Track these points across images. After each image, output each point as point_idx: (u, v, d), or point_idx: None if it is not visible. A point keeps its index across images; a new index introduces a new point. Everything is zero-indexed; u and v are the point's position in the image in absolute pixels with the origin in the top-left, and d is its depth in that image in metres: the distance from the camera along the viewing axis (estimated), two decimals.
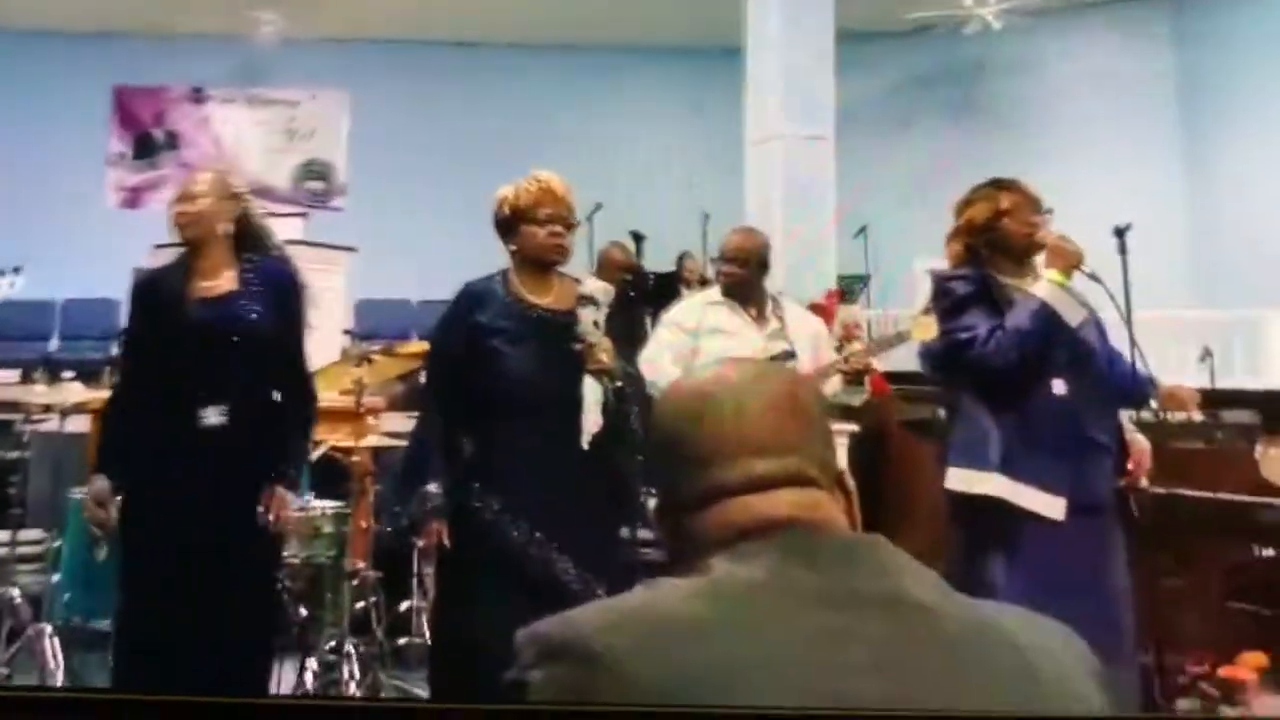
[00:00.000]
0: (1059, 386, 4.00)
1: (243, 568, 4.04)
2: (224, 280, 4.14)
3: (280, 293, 4.20)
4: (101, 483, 4.08)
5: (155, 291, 4.22)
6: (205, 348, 4.03)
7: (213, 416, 3.99)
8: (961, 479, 4.04)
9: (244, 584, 4.04)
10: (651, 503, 1.54)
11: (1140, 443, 4.13)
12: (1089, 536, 3.92)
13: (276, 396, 4.20)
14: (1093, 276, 4.13)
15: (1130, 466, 4.03)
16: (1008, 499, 3.93)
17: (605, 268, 7.84)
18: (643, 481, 3.92)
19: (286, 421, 4.23)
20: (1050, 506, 3.90)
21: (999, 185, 4.18)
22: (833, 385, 5.43)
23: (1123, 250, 4.77)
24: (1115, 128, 13.30)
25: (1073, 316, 3.96)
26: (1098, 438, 4.02)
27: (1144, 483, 4.01)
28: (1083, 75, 13.50)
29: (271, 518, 4.08)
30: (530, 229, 4.00)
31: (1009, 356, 3.95)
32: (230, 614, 3.93)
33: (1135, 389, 4.23)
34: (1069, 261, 3.96)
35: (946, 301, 4.14)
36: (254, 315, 4.09)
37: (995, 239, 4.10)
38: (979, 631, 1.34)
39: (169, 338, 4.09)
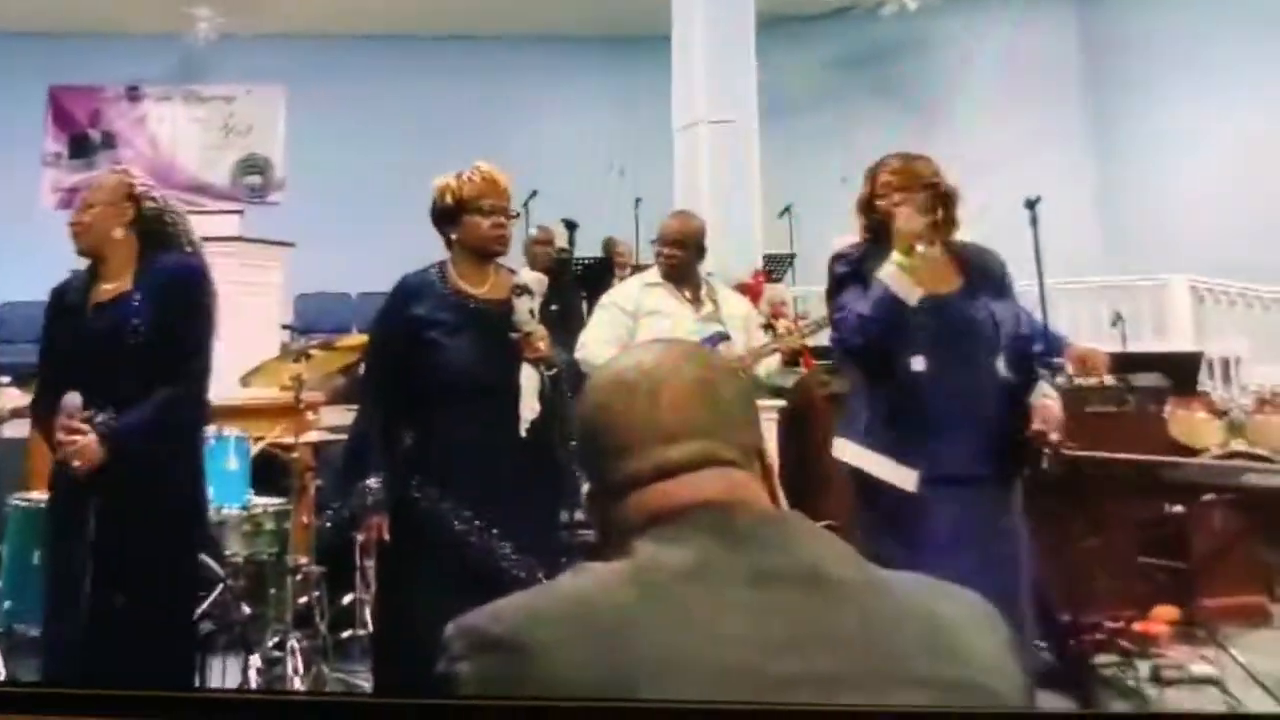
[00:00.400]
0: (918, 363, 3.94)
1: (145, 571, 3.84)
2: (120, 283, 4.00)
3: (172, 291, 3.98)
4: None
5: (61, 298, 4.10)
6: (97, 352, 3.89)
7: (100, 421, 3.81)
8: (836, 447, 4.10)
9: (147, 590, 3.82)
10: (584, 487, 1.53)
11: (1048, 403, 4.00)
12: (958, 505, 3.83)
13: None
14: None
15: (1037, 425, 3.92)
16: (864, 468, 3.98)
17: (532, 253, 7.89)
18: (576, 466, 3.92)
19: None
20: (903, 478, 3.90)
21: (878, 164, 4.16)
22: (769, 366, 5.49)
23: (1034, 221, 4.85)
24: (1025, 103, 13.45)
25: (910, 296, 3.91)
26: (972, 409, 3.93)
27: (1054, 437, 3.89)
28: (994, 52, 13.59)
29: (74, 464, 3.76)
30: (474, 219, 3.98)
31: (855, 340, 4.01)
32: (139, 612, 3.77)
33: (1045, 353, 4.17)
34: (905, 240, 3.91)
35: (829, 281, 4.19)
36: (140, 316, 3.91)
37: (874, 219, 4.10)
38: (893, 603, 1.35)
39: (69, 344, 4.00)
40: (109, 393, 3.83)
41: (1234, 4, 12.20)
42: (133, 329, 3.87)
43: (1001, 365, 3.96)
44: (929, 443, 3.89)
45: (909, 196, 3.97)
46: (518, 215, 4.13)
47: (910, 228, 3.91)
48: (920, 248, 3.92)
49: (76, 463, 3.75)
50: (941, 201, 4.01)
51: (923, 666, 1.30)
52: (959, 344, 3.95)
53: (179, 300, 3.96)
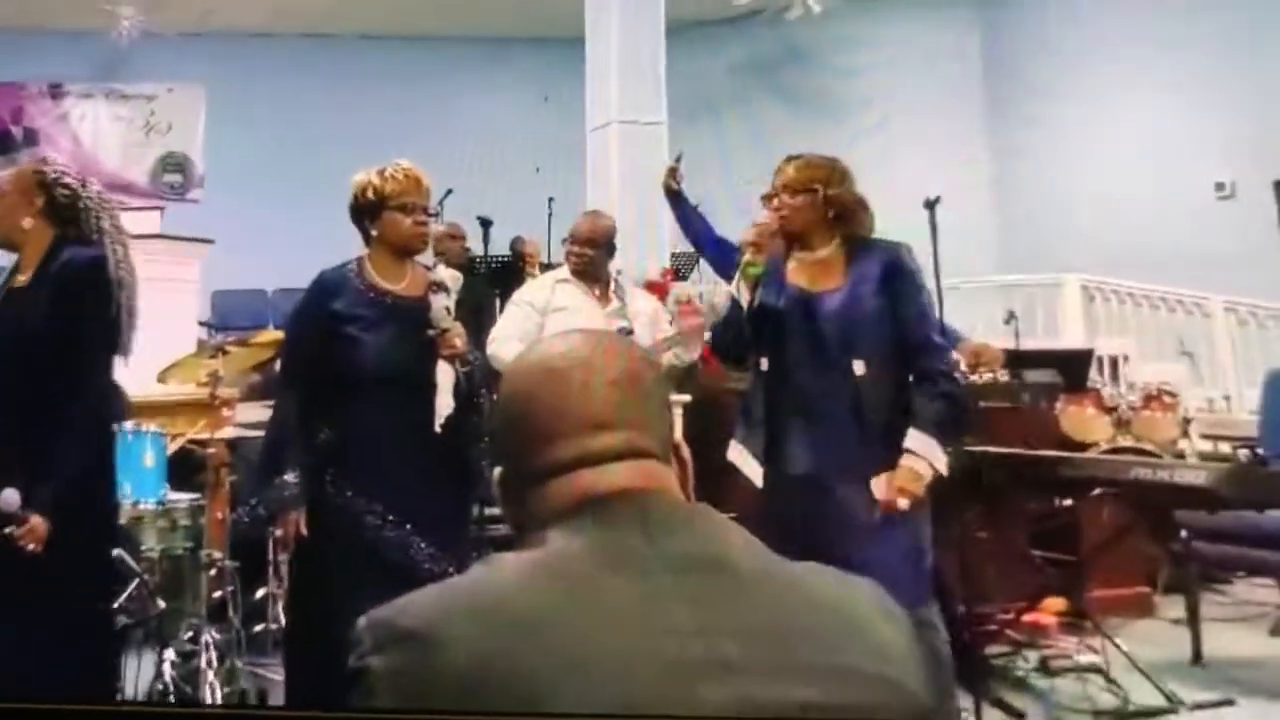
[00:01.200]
0: (764, 363, 4.01)
1: (57, 572, 3.58)
2: (30, 275, 3.79)
3: (67, 287, 3.72)
4: None
5: None
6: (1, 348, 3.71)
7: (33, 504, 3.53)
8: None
9: (60, 591, 3.59)
10: (495, 475, 1.47)
11: (908, 465, 3.80)
12: (807, 504, 3.82)
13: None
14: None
15: (883, 492, 3.78)
16: (735, 463, 4.04)
17: (444, 247, 7.81)
18: (489, 456, 3.88)
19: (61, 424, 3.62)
20: (753, 473, 3.97)
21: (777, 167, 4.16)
22: (679, 349, 5.50)
23: (932, 222, 4.84)
24: (926, 105, 13.57)
25: (743, 298, 4.03)
26: (821, 408, 3.90)
27: (902, 504, 3.75)
28: (896, 56, 13.71)
29: (29, 547, 3.48)
30: (395, 217, 3.91)
31: (713, 340, 4.16)
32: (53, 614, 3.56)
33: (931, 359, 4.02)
34: (743, 247, 4.11)
35: None
36: (35, 313, 3.68)
37: None
38: (799, 592, 1.34)
39: None
40: (8, 395, 3.64)
41: (1130, 7, 12.32)
42: (29, 327, 3.67)
43: (860, 365, 3.88)
44: (777, 440, 3.95)
45: (783, 201, 4.00)
46: (437, 214, 4.07)
47: (744, 236, 4.19)
48: (749, 255, 4.08)
49: (32, 546, 3.51)
50: (831, 205, 3.98)
51: (830, 655, 1.29)
52: (813, 343, 3.93)
53: (72, 298, 3.72)
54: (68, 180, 3.88)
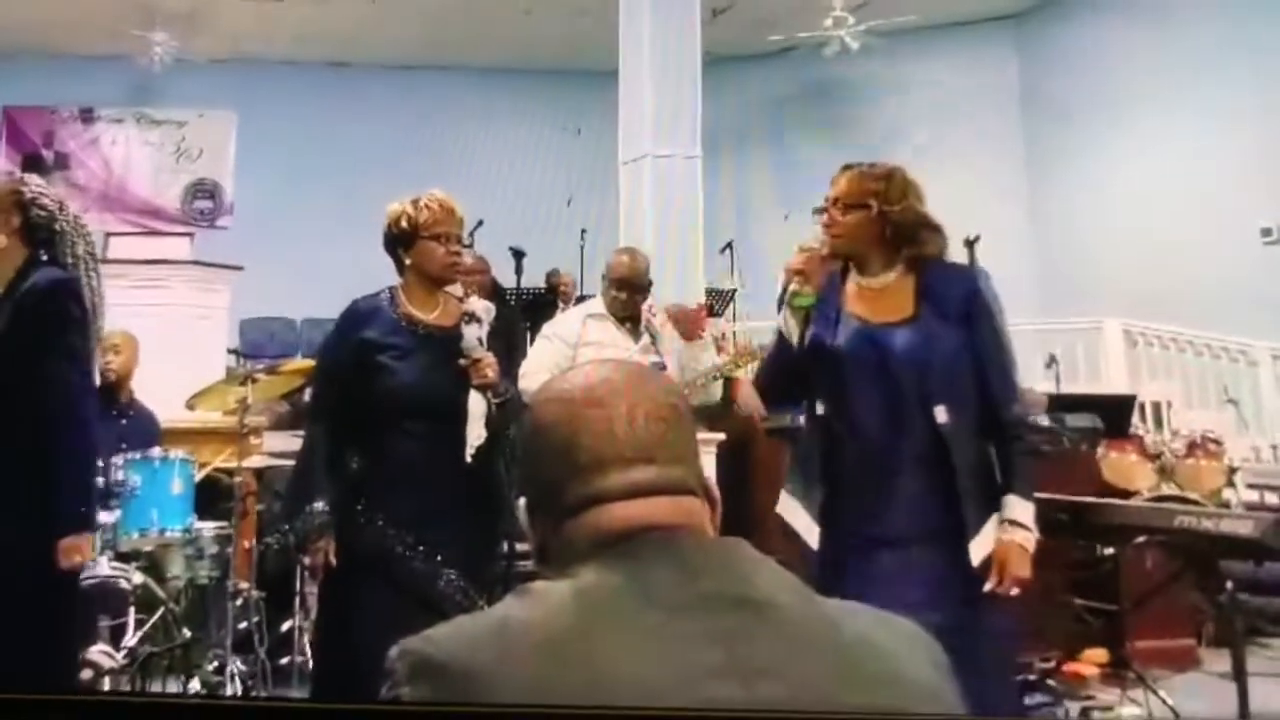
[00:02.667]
0: (819, 406, 3.53)
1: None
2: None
3: (30, 307, 3.65)
4: None
5: None
6: None
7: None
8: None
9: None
10: (521, 504, 1.48)
11: (1008, 540, 3.31)
12: (868, 568, 3.32)
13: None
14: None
15: (992, 582, 3.28)
16: (784, 517, 3.58)
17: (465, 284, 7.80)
18: (516, 484, 3.84)
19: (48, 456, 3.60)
20: (807, 531, 3.48)
21: None
22: (710, 388, 5.46)
23: (972, 261, 4.79)
24: (964, 143, 13.53)
25: (792, 335, 3.58)
26: (886, 461, 3.40)
27: (1014, 592, 3.28)
28: (934, 93, 13.71)
29: (68, 567, 3.57)
30: (429, 246, 3.93)
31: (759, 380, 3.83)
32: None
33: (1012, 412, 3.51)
34: (786, 276, 3.59)
35: None
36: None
37: None
38: (834, 631, 1.33)
39: None
40: None
41: (1171, 48, 12.26)
42: None
43: (943, 411, 3.34)
44: (841, 494, 3.46)
45: (834, 217, 3.54)
46: (470, 244, 4.05)
47: (788, 263, 3.60)
48: (795, 284, 3.55)
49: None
50: (888, 222, 3.48)
51: (867, 694, 1.28)
52: (884, 384, 3.42)
53: (34, 323, 3.66)
54: (45, 201, 3.84)
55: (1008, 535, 3.29)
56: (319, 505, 3.82)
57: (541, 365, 5.33)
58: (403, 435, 3.83)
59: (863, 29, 13.11)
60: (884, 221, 3.48)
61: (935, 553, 3.33)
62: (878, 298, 3.50)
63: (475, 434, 3.85)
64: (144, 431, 5.76)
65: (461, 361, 3.85)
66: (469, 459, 3.84)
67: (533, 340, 6.28)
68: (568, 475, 1.40)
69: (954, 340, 3.40)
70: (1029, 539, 3.30)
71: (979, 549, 3.30)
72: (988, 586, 3.26)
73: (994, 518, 3.33)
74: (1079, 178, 12.95)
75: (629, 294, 5.46)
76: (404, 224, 3.95)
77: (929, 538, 3.34)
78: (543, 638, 1.26)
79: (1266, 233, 11.54)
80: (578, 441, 1.41)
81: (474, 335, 3.89)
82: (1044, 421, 6.25)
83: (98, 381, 5.45)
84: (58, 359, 3.66)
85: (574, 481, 1.40)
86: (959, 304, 3.43)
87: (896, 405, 3.40)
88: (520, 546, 4.07)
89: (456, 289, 4.12)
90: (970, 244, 4.88)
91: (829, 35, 13.22)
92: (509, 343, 6.57)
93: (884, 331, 3.45)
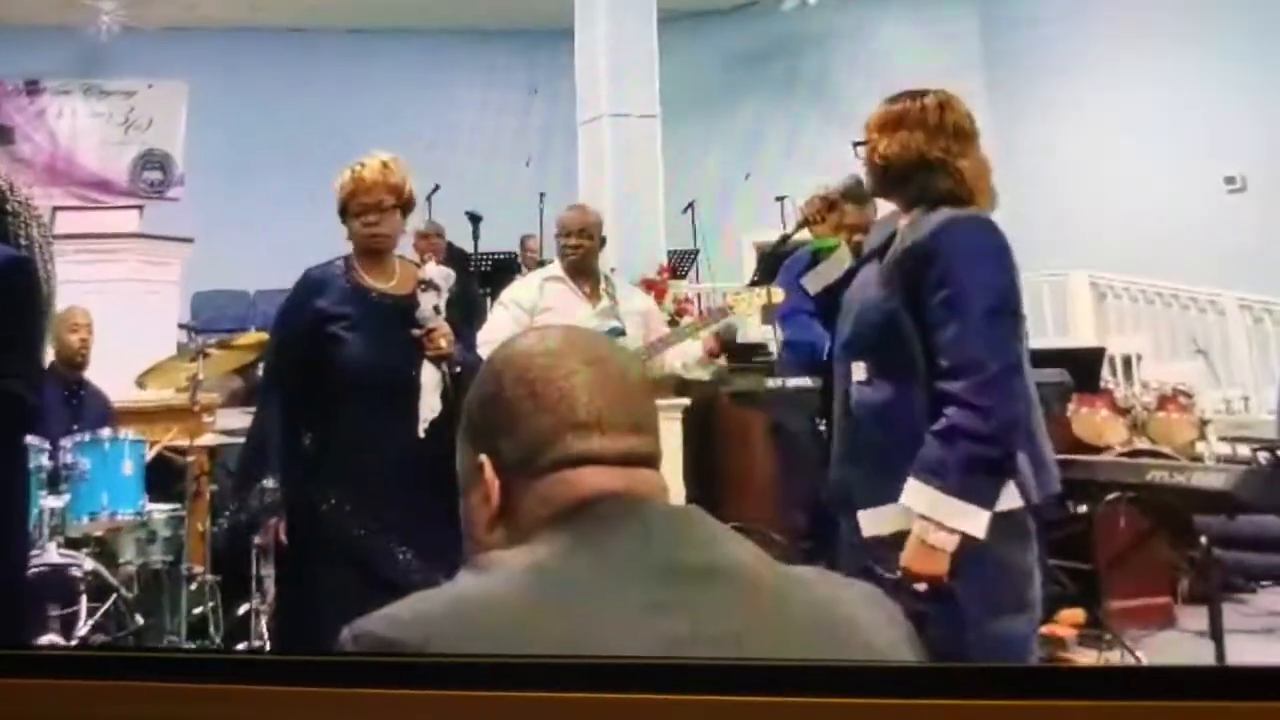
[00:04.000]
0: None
1: None
2: None
3: None
4: None
5: None
6: None
7: None
8: None
9: None
10: (482, 459, 1.42)
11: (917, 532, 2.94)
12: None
13: None
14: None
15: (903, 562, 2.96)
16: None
17: (417, 249, 7.72)
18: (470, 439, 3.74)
19: None
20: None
21: None
22: (687, 356, 5.37)
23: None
24: None
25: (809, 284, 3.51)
26: (838, 420, 3.21)
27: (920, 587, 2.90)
28: (895, 44, 13.60)
29: None
30: (349, 221, 3.89)
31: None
32: None
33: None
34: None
35: None
36: None
37: None
38: (794, 597, 1.33)
39: None
40: None
41: None
42: None
43: (860, 369, 3.11)
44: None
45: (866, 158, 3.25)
46: (403, 204, 3.92)
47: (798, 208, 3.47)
48: (808, 232, 3.49)
49: None
50: (879, 158, 3.19)
51: (825, 655, 1.29)
52: (841, 332, 3.23)
53: None
54: None
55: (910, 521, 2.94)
56: (269, 483, 3.78)
57: (500, 333, 5.24)
58: (354, 408, 3.77)
59: None
60: (877, 159, 3.20)
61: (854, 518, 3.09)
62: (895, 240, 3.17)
63: (429, 406, 3.78)
64: (96, 413, 5.68)
65: (415, 331, 3.77)
66: (422, 433, 3.76)
67: (491, 305, 6.23)
68: (563, 430, 1.37)
69: (878, 292, 3.09)
70: (926, 530, 2.87)
71: (870, 522, 3.04)
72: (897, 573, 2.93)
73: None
74: (1042, 130, 12.90)
75: (588, 243, 5.36)
76: (338, 194, 3.90)
77: (851, 506, 3.11)
78: (500, 612, 1.25)
79: (1230, 181, 11.54)
80: (577, 397, 1.38)
81: (430, 303, 3.80)
82: None
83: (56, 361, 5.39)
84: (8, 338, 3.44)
85: (571, 437, 1.37)
86: (899, 255, 3.08)
87: (841, 358, 3.20)
88: None
89: (413, 255, 4.05)
90: None
91: None
92: (467, 311, 6.50)
93: (863, 273, 3.24)
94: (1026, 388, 3.00)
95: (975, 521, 2.84)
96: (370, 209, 3.85)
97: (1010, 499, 2.91)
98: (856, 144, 3.26)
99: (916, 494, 2.89)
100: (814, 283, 3.54)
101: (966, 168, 3.14)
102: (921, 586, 2.87)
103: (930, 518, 2.85)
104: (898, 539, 2.93)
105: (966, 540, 2.84)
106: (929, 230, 3.03)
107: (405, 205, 3.95)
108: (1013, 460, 2.91)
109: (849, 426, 3.14)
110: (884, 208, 3.47)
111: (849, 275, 3.35)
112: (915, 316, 2.99)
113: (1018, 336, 3.02)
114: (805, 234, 3.76)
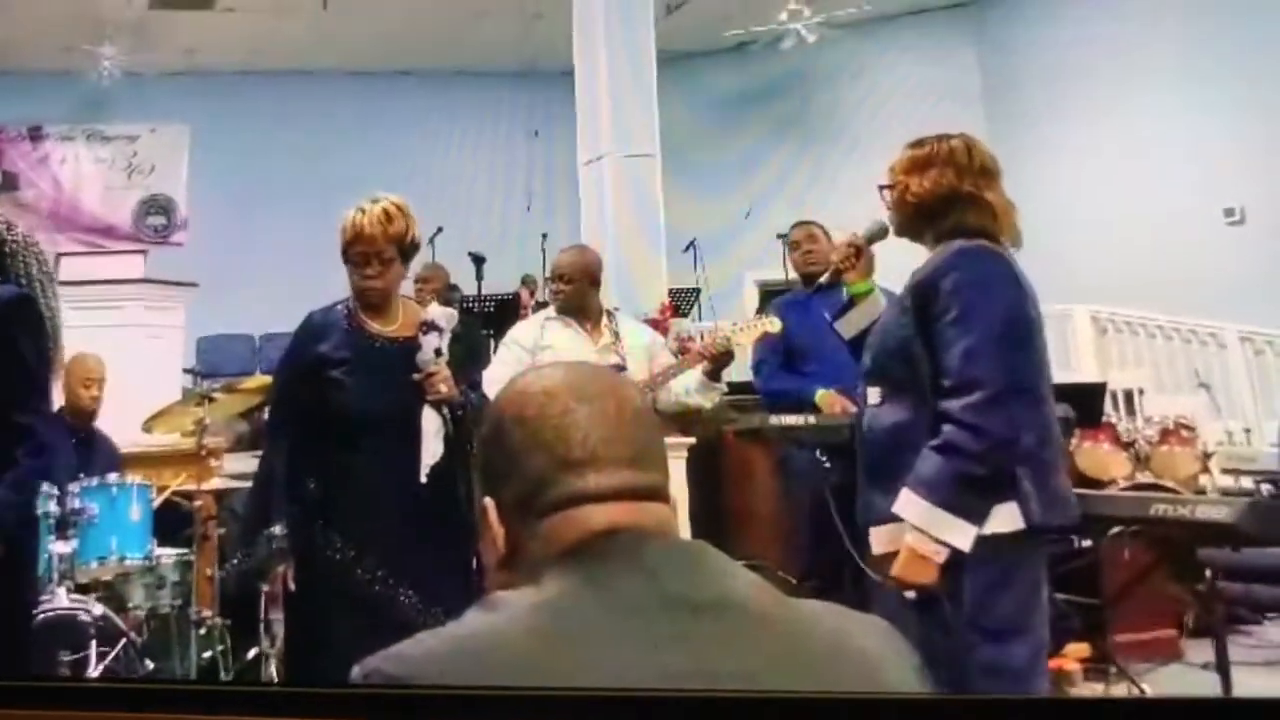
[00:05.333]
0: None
1: None
2: None
3: None
4: None
5: None
6: None
7: None
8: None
9: None
10: (488, 504, 1.44)
11: (908, 542, 3.08)
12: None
13: None
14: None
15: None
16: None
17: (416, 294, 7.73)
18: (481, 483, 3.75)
19: None
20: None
21: None
22: (688, 382, 5.37)
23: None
24: (926, 133, 13.44)
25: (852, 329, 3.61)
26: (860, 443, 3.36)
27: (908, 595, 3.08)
28: (894, 84, 13.67)
29: None
30: (348, 268, 3.87)
31: None
32: None
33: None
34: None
35: None
36: None
37: None
38: (802, 632, 1.33)
39: None
40: None
41: (1132, 31, 12.27)
42: None
43: (875, 393, 3.30)
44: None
45: (895, 199, 3.40)
46: (403, 252, 3.90)
47: (831, 258, 3.65)
48: (847, 278, 3.62)
49: None
50: (911, 197, 3.34)
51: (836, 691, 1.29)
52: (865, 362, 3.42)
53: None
54: None
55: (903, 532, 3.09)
56: (275, 530, 3.77)
57: (503, 372, 5.25)
58: (355, 453, 3.77)
59: (820, 19, 13.07)
60: (909, 198, 3.33)
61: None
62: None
63: (431, 451, 3.77)
64: (105, 460, 5.66)
65: (416, 375, 3.76)
66: (424, 478, 3.75)
67: (495, 347, 6.23)
68: (557, 469, 1.38)
69: (894, 321, 3.28)
70: (919, 542, 3.01)
71: (879, 539, 3.20)
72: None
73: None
74: (1041, 164, 12.91)
75: (571, 287, 5.33)
76: (340, 236, 3.87)
77: (871, 520, 3.25)
78: (506, 651, 1.25)
79: (1229, 213, 11.56)
80: (570, 436, 1.39)
81: (432, 346, 3.79)
82: None
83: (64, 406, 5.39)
84: (14, 376, 3.46)
85: (565, 475, 1.38)
86: (913, 284, 3.24)
87: (862, 386, 3.41)
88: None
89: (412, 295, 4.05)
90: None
91: (785, 28, 13.18)
92: (469, 351, 6.53)
93: (884, 315, 3.44)
94: (1035, 416, 3.11)
95: (962, 535, 2.99)
96: (369, 259, 3.82)
97: (1011, 520, 3.02)
98: (883, 187, 3.40)
99: (907, 504, 3.05)
100: (847, 328, 3.64)
101: (997, 203, 3.32)
102: (910, 594, 3.05)
103: (919, 528, 3.01)
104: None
105: (956, 554, 2.99)
106: (941, 259, 3.19)
107: (407, 253, 3.91)
108: (1005, 481, 3.02)
109: (865, 449, 3.30)
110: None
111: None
112: (925, 341, 3.15)
113: (1028, 363, 3.13)
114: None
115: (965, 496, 3.02)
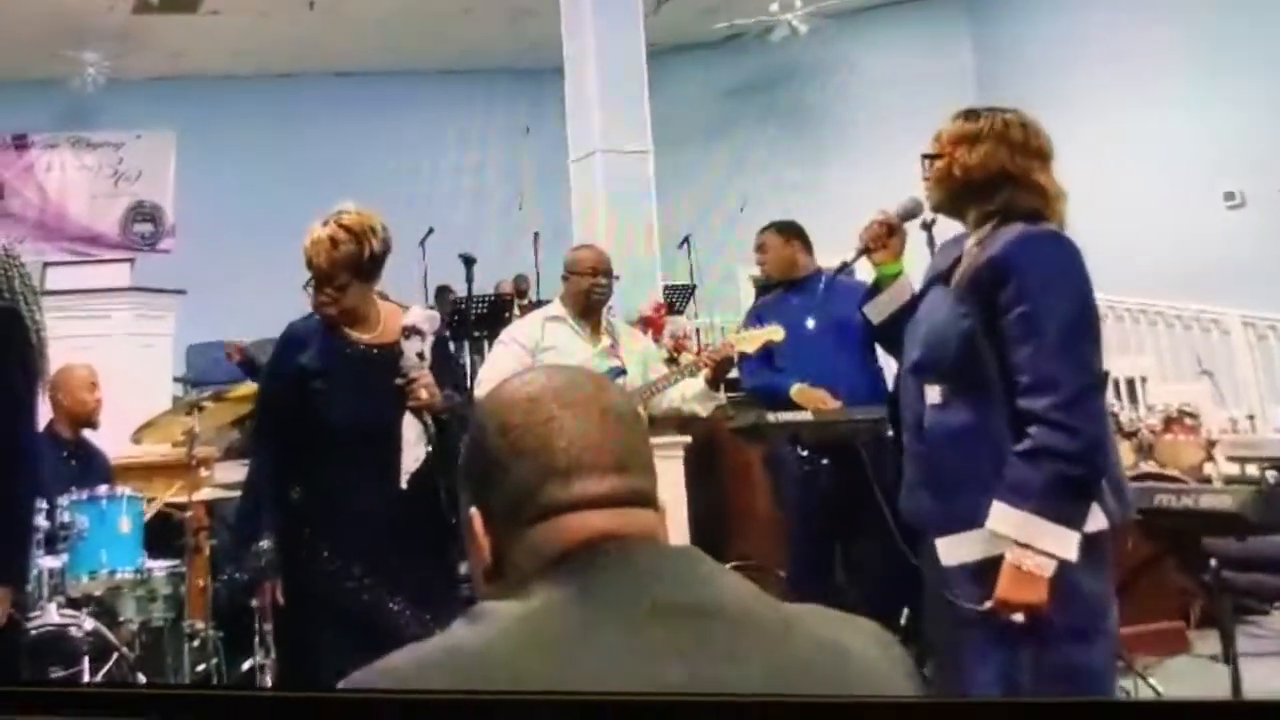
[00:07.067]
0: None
1: None
2: None
3: None
4: None
5: None
6: None
7: None
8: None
9: None
10: (473, 513, 1.43)
11: (1012, 559, 2.86)
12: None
13: None
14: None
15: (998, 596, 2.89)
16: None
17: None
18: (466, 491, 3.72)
19: None
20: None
21: None
22: (686, 390, 5.34)
23: (930, 243, 4.69)
24: (920, 124, 13.40)
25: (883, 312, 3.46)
26: (907, 444, 3.19)
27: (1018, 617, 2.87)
28: (886, 75, 13.65)
29: None
30: (310, 288, 3.83)
31: None
32: None
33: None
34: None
35: None
36: None
37: None
38: (794, 636, 1.32)
39: None
40: None
41: (1129, 17, 12.25)
42: None
43: (935, 393, 3.08)
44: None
45: (926, 170, 3.26)
46: (348, 284, 3.81)
47: (860, 235, 3.50)
48: (875, 259, 3.47)
49: None
50: (959, 171, 3.18)
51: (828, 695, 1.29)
52: (910, 356, 3.22)
53: None
54: None
55: (1003, 548, 2.86)
56: (264, 544, 3.75)
57: (501, 372, 5.20)
58: (338, 462, 3.75)
59: (810, 10, 13.07)
60: (956, 171, 3.17)
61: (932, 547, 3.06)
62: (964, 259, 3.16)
63: (413, 457, 3.76)
64: (95, 473, 5.61)
65: (398, 381, 3.74)
66: (404, 484, 3.74)
67: (488, 348, 6.20)
68: (542, 477, 1.38)
69: (949, 311, 3.05)
70: (1021, 557, 2.79)
71: (950, 549, 2.99)
72: (987, 604, 2.86)
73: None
74: None
75: (609, 280, 5.33)
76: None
77: (935, 529, 3.06)
78: (495, 662, 1.25)
79: (1230, 196, 11.55)
80: (554, 443, 1.38)
81: (414, 350, 3.77)
82: None
83: (56, 419, 5.37)
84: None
85: (551, 483, 1.37)
86: (973, 272, 3.05)
87: (912, 383, 3.17)
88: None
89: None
90: (928, 226, 4.77)
91: (776, 20, 13.18)
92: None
93: (930, 297, 3.22)
94: (1106, 409, 3.02)
95: (1066, 544, 2.78)
96: (323, 282, 3.78)
97: (1096, 521, 2.86)
98: (926, 156, 3.24)
99: (1003, 517, 2.83)
100: (876, 312, 3.48)
101: (1049, 186, 3.21)
102: (1018, 617, 2.81)
103: (1021, 541, 2.78)
104: (982, 566, 2.88)
105: (1060, 564, 2.79)
106: (1003, 245, 3.01)
107: (365, 270, 3.81)
108: (1100, 480, 2.87)
109: (923, 452, 3.08)
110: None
111: (913, 301, 3.33)
112: (991, 335, 2.95)
113: (1098, 356, 2.97)
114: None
115: (1065, 501, 2.82)
